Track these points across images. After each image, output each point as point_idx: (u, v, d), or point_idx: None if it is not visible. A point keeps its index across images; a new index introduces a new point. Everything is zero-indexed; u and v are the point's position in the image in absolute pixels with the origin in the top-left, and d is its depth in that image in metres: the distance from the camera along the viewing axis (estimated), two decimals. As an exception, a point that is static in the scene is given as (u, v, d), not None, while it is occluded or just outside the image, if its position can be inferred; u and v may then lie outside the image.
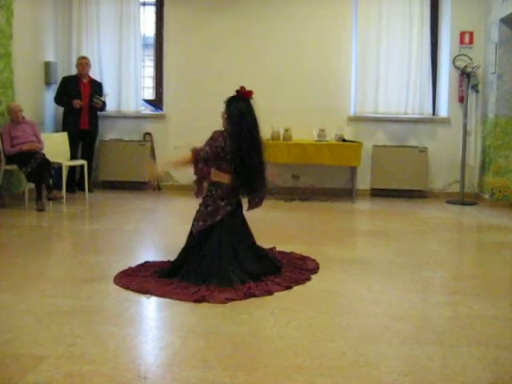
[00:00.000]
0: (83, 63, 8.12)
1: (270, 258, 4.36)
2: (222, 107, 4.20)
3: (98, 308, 3.48)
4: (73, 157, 7.95)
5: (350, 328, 3.20)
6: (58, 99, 8.08)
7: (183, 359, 2.78)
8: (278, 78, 8.35)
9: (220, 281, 3.90)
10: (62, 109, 8.16)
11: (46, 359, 2.71)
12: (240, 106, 4.13)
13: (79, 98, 7.95)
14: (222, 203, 4.15)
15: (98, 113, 8.31)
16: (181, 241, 4.24)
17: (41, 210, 6.69)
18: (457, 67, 8.00)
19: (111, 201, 7.67)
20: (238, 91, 4.18)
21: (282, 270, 4.26)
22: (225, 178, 4.17)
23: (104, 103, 8.21)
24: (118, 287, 3.89)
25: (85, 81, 8.13)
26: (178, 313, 3.46)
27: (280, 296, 3.77)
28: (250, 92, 4.18)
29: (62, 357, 2.75)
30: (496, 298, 3.81)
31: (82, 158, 8.13)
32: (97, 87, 8.24)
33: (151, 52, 8.98)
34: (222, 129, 4.19)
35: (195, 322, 3.28)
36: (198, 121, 8.28)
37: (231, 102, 4.17)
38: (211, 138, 4.14)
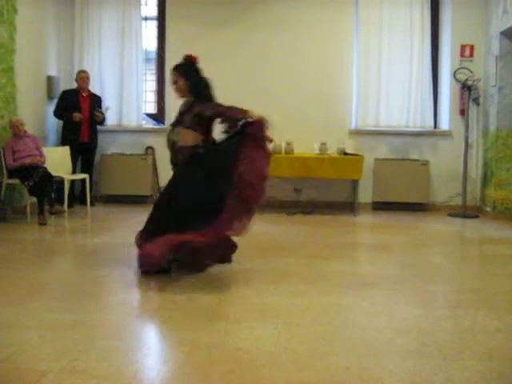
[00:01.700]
0: (84, 77, 8.16)
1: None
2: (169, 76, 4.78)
3: (100, 322, 3.47)
4: (72, 170, 7.97)
5: (354, 342, 3.19)
6: (58, 113, 8.10)
7: (186, 373, 2.77)
8: (280, 91, 8.38)
9: None
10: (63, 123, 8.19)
11: (49, 374, 2.70)
12: (199, 70, 4.70)
13: (79, 111, 7.99)
14: None
15: (99, 127, 8.34)
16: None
17: (43, 224, 6.70)
18: (458, 80, 8.02)
19: (113, 215, 7.67)
20: (187, 58, 4.70)
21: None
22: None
23: (104, 117, 8.24)
24: (118, 301, 3.89)
25: (84, 94, 8.17)
26: (181, 327, 3.45)
27: (282, 310, 3.76)
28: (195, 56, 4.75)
29: (64, 371, 2.74)
30: (499, 311, 3.80)
31: (82, 171, 8.16)
32: (96, 101, 8.27)
33: (153, 66, 9.03)
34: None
35: (198, 336, 3.27)
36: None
37: (189, 67, 4.68)
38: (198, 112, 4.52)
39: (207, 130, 4.65)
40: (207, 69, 8.88)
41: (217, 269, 4.79)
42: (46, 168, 6.92)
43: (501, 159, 7.66)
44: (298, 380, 2.69)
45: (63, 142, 8.12)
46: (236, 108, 4.50)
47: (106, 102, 8.57)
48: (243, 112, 4.46)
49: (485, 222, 7.47)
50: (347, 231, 6.89)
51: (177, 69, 4.72)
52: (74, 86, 8.28)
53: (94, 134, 8.28)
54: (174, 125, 4.71)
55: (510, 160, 7.64)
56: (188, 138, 4.58)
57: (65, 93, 8.17)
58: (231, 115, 4.51)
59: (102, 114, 8.18)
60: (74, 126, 8.00)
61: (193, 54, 4.74)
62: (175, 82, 4.71)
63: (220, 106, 4.59)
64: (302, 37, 8.42)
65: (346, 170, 7.76)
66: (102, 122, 8.25)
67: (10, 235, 6.24)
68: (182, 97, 4.75)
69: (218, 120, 4.60)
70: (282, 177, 7.86)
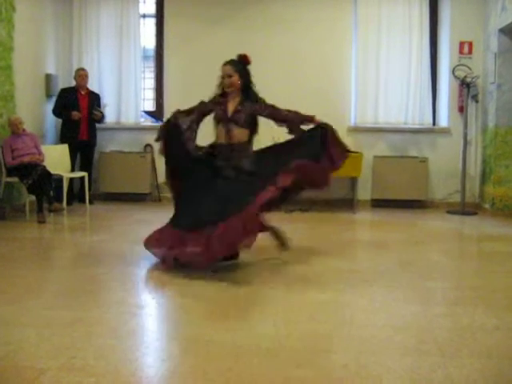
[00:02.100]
0: (82, 75, 8.15)
1: None
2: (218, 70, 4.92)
3: (98, 320, 3.46)
4: (72, 168, 7.97)
5: (352, 339, 3.19)
6: (57, 111, 8.10)
7: (184, 371, 2.77)
8: (279, 89, 8.32)
9: None
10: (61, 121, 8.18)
11: (47, 371, 2.70)
12: (249, 71, 4.91)
13: (78, 109, 7.98)
14: None
15: (97, 124, 8.34)
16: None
17: (42, 222, 6.69)
18: (456, 77, 8.01)
19: (112, 213, 7.67)
20: (241, 58, 4.92)
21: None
22: None
23: (103, 115, 8.24)
24: (117, 299, 3.89)
25: (83, 92, 8.16)
26: (179, 325, 3.46)
27: (281, 307, 3.76)
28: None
29: (62, 369, 2.74)
30: (498, 308, 3.80)
31: (81, 169, 8.16)
32: (95, 99, 8.26)
33: (151, 64, 9.02)
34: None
35: (196, 333, 3.27)
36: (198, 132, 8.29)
37: (243, 67, 4.88)
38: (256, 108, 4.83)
39: (254, 128, 4.93)
40: (206, 67, 8.91)
41: (214, 267, 4.79)
42: (44, 166, 6.92)
43: (499, 156, 7.66)
44: (296, 377, 2.69)
45: (62, 140, 8.12)
46: (300, 114, 4.92)
47: (105, 99, 8.56)
48: (309, 118, 4.96)
49: (483, 218, 7.47)
50: (346, 229, 6.89)
51: (232, 63, 4.88)
52: (73, 83, 8.27)
53: (93, 132, 8.27)
54: (227, 122, 4.83)
55: (509, 157, 7.63)
56: (242, 135, 4.83)
57: (63, 91, 8.16)
58: (296, 120, 4.90)
59: (101, 112, 8.18)
60: (73, 124, 8.00)
61: (247, 54, 4.95)
62: (229, 76, 4.84)
63: (279, 109, 4.88)
64: (300, 35, 8.40)
65: (344, 168, 7.62)
66: (100, 120, 8.25)
67: (8, 233, 6.24)
68: (230, 92, 4.87)
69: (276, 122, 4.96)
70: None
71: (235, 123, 4.80)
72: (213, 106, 4.92)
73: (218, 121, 4.89)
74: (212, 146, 4.94)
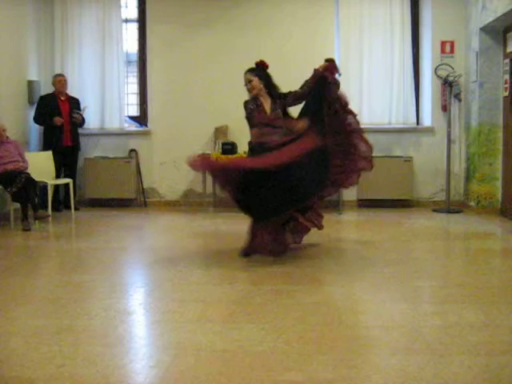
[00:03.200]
0: (62, 80, 8.10)
1: None
2: (241, 80, 5.40)
3: (85, 328, 3.44)
4: (56, 175, 7.92)
5: (341, 340, 3.19)
6: (38, 119, 8.03)
7: (173, 377, 2.75)
8: (262, 91, 8.37)
9: None
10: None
11: (35, 381, 2.67)
12: (269, 74, 5.40)
13: (59, 115, 7.92)
14: None
15: (81, 130, 8.29)
16: (168, 257, 4.18)
17: (27, 229, 6.64)
18: (439, 76, 8.07)
19: (97, 219, 7.63)
20: (259, 64, 5.38)
21: None
22: None
23: (83, 118, 8.19)
24: (104, 306, 3.86)
25: (63, 98, 8.10)
26: (167, 330, 3.44)
27: (269, 310, 3.75)
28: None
29: (51, 378, 2.71)
30: (485, 305, 3.82)
31: (65, 175, 8.10)
32: (74, 103, 8.21)
33: (135, 68, 8.98)
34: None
35: (185, 339, 3.26)
36: (183, 136, 8.30)
37: (261, 70, 5.36)
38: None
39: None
40: (190, 71, 8.86)
41: (201, 270, 4.78)
42: (28, 173, 6.87)
43: (483, 154, 7.71)
44: (287, 380, 2.69)
45: (45, 146, 8.05)
46: (309, 81, 5.51)
47: (89, 105, 8.50)
48: (313, 77, 5.53)
49: (469, 216, 7.51)
50: (332, 229, 6.86)
51: (250, 70, 5.34)
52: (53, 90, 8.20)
53: (76, 138, 8.21)
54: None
55: (493, 154, 7.69)
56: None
57: (43, 98, 8.07)
58: (308, 90, 5.43)
59: (81, 115, 8.12)
60: (55, 130, 7.92)
61: (263, 60, 5.42)
62: (250, 81, 5.30)
63: (295, 92, 5.40)
64: (283, 36, 8.41)
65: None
66: (81, 123, 8.20)
67: (-7, 242, 6.19)
68: (255, 94, 5.30)
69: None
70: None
71: (279, 117, 5.27)
72: (254, 106, 5.29)
73: (258, 122, 5.21)
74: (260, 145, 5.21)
